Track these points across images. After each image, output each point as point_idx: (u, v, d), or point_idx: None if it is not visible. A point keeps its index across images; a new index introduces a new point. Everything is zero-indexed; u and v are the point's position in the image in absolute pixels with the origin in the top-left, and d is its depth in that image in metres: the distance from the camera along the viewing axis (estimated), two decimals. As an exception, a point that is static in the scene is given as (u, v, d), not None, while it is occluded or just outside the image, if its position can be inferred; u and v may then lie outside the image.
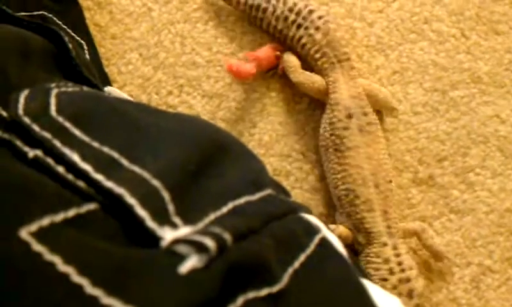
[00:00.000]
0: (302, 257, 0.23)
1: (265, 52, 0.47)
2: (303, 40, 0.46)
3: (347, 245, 0.45)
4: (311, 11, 0.46)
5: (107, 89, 0.38)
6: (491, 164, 0.50)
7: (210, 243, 0.18)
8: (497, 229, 0.49)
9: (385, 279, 0.42)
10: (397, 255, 0.43)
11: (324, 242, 0.25)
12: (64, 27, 0.46)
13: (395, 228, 0.44)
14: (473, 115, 0.50)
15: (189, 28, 0.49)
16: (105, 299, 0.16)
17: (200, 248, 0.18)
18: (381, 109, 0.49)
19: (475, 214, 0.49)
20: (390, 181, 0.44)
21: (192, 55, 0.49)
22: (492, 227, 0.49)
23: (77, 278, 0.16)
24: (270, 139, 0.48)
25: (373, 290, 0.26)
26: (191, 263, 0.17)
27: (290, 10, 0.46)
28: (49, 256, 0.16)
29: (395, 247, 0.43)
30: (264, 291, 0.19)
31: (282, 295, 0.20)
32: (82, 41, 0.47)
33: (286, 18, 0.46)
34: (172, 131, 0.25)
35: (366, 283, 0.27)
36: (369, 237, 0.43)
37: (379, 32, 0.51)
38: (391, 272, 0.42)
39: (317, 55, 0.46)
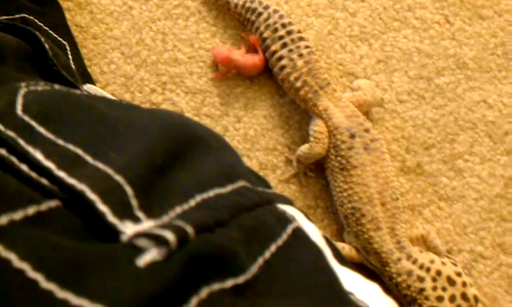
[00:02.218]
0: (273, 247, 0.23)
1: (251, 58, 0.47)
2: (283, 62, 0.45)
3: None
4: (301, 38, 0.46)
5: (86, 86, 0.38)
6: (479, 150, 0.49)
7: (169, 236, 0.18)
8: (488, 215, 0.48)
9: (422, 290, 0.41)
10: (415, 261, 0.42)
11: (298, 232, 0.25)
12: (46, 28, 0.46)
13: (404, 240, 0.43)
14: (460, 101, 0.50)
15: (170, 25, 0.49)
16: (59, 293, 0.15)
17: (160, 241, 0.18)
18: (376, 107, 0.49)
19: (465, 201, 0.49)
20: (397, 199, 0.43)
21: (174, 52, 0.49)
22: (482, 213, 0.48)
23: (32, 273, 0.16)
24: (255, 133, 0.48)
25: (351, 278, 0.26)
26: (149, 256, 0.17)
27: (283, 25, 0.46)
28: (5, 253, 0.16)
29: (409, 256, 0.42)
30: (229, 283, 0.19)
31: (250, 285, 0.20)
32: (65, 42, 0.47)
33: (275, 30, 0.46)
34: (140, 125, 0.24)
35: (345, 271, 0.26)
36: (381, 258, 0.43)
37: (362, 21, 0.51)
38: (420, 279, 0.42)
39: (298, 84, 0.45)
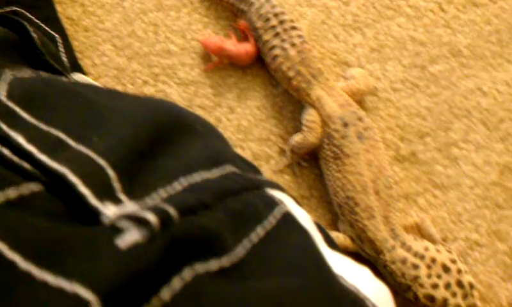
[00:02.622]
0: (260, 231, 0.23)
1: (243, 46, 0.47)
2: (276, 51, 0.45)
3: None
4: (293, 28, 0.45)
5: (76, 76, 0.38)
6: (474, 138, 0.49)
7: (151, 217, 0.18)
8: (483, 203, 0.48)
9: (417, 277, 0.41)
10: (409, 249, 0.42)
11: (286, 216, 0.25)
12: (37, 21, 0.46)
13: (398, 228, 0.43)
14: (455, 89, 0.50)
15: (162, 16, 0.49)
16: (37, 273, 0.15)
17: (142, 223, 0.18)
18: (369, 95, 0.48)
19: (460, 189, 0.48)
20: (391, 187, 0.43)
21: (167, 44, 0.49)
22: (478, 201, 0.48)
23: (9, 254, 0.16)
24: (248, 124, 0.48)
25: (341, 262, 0.26)
26: (130, 237, 0.17)
27: (275, 15, 0.45)
28: None
29: (403, 244, 0.42)
30: (213, 264, 0.19)
31: (236, 268, 0.20)
32: (56, 35, 0.46)
33: (267, 20, 0.45)
34: (126, 111, 0.24)
35: (335, 255, 0.26)
36: (375, 246, 0.43)
37: (355, 10, 0.50)
38: (415, 267, 0.41)
39: (291, 74, 0.45)
